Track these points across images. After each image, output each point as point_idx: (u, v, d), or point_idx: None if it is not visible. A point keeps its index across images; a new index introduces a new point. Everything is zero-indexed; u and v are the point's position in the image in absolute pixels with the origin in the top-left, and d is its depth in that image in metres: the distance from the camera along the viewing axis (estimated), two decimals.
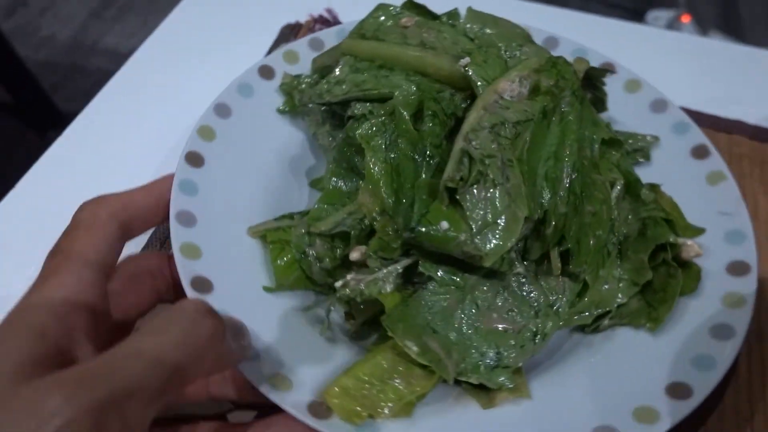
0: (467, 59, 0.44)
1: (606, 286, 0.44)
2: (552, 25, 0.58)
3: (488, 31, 0.49)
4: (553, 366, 0.42)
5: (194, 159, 0.47)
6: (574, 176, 0.41)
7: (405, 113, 0.42)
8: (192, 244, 0.42)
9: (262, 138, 0.52)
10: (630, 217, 0.45)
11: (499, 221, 0.38)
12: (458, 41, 0.48)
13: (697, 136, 0.51)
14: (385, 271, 0.40)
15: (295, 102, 0.53)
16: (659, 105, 0.54)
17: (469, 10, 0.50)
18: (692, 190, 0.49)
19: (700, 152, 0.51)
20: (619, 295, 0.43)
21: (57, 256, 0.36)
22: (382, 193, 0.41)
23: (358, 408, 0.35)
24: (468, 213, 0.37)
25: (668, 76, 0.61)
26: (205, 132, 0.49)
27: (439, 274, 0.40)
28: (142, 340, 0.29)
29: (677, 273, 0.43)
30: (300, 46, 0.56)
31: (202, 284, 0.40)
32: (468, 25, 0.49)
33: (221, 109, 0.50)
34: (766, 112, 0.62)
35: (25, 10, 1.97)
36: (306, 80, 0.53)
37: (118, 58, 0.71)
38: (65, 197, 0.54)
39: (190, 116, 0.50)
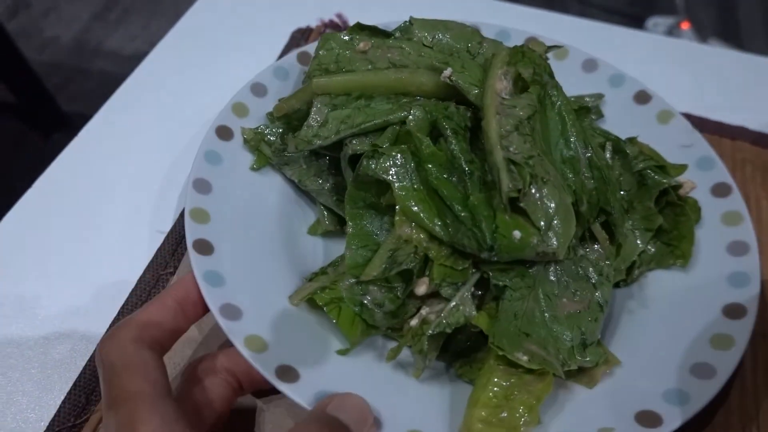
0: (450, 70, 0.45)
1: (626, 240, 0.47)
2: (552, 31, 0.60)
3: (441, 36, 0.50)
4: (614, 329, 0.45)
5: (203, 247, 0.43)
6: (589, 153, 0.44)
7: (425, 138, 0.42)
8: (253, 336, 0.39)
9: (251, 202, 0.48)
10: (624, 172, 0.49)
11: (557, 215, 0.39)
12: (423, 53, 0.48)
13: (634, 84, 0.56)
14: (459, 295, 0.40)
15: (267, 155, 0.50)
16: (590, 65, 0.58)
17: (415, 19, 0.51)
18: (648, 133, 0.54)
19: (642, 98, 0.56)
20: (639, 243, 0.47)
21: (123, 407, 0.32)
22: (426, 222, 0.41)
23: None
24: (533, 216, 0.38)
25: (671, 83, 0.64)
26: (198, 215, 0.45)
27: (509, 281, 0.40)
28: None
29: (684, 210, 0.47)
30: (245, 96, 0.53)
31: (287, 374, 0.38)
32: (422, 35, 0.50)
33: (201, 185, 0.47)
34: (767, 118, 0.63)
35: (28, 12, 1.97)
36: (272, 131, 0.50)
37: (120, 61, 0.73)
38: (78, 201, 0.57)
39: (202, 121, 0.53)
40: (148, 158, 0.59)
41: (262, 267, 0.45)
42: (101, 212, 0.56)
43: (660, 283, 0.47)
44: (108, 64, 1.70)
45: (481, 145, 0.42)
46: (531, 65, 0.46)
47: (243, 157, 0.50)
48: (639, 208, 0.48)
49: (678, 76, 0.68)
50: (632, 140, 0.51)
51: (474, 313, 0.40)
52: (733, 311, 0.43)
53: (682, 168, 0.50)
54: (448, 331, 0.40)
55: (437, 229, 0.41)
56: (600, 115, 0.56)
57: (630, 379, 0.41)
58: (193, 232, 0.43)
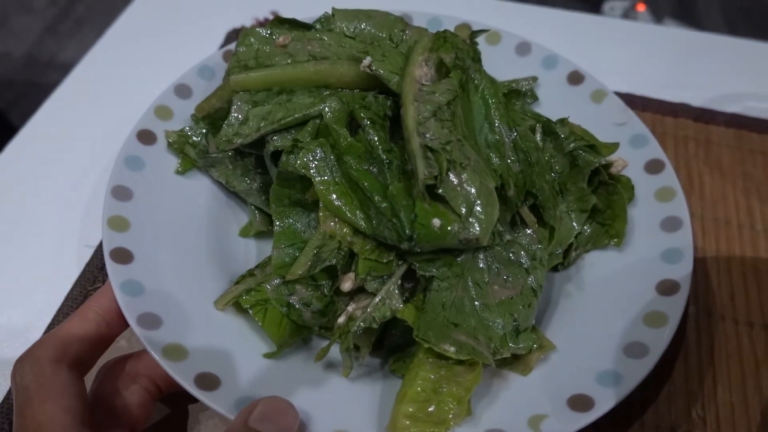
0: (369, 59, 0.44)
1: (561, 223, 0.47)
2: (509, 21, 0.60)
3: (363, 26, 0.49)
4: (551, 314, 0.44)
5: (121, 255, 0.41)
6: (513, 135, 0.43)
7: (341, 130, 0.40)
8: (173, 345, 0.38)
9: (175, 208, 0.47)
10: (556, 153, 0.48)
11: (479, 200, 0.38)
12: (344, 44, 0.47)
13: (568, 65, 0.56)
14: (385, 289, 0.39)
15: (193, 158, 0.49)
16: (524, 48, 0.58)
17: (336, 10, 0.49)
18: (582, 113, 0.53)
19: (575, 78, 0.55)
20: (574, 225, 0.47)
21: None
22: (348, 215, 0.40)
23: (432, 429, 0.35)
24: (452, 202, 0.37)
25: (618, 64, 0.64)
26: (117, 223, 0.43)
27: (435, 270, 0.40)
28: None
29: (617, 188, 0.47)
30: (168, 98, 0.51)
31: (207, 382, 0.36)
32: (343, 26, 0.49)
33: (120, 192, 0.45)
34: (711, 94, 0.63)
35: None
36: (196, 131, 0.49)
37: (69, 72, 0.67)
38: (2, 217, 0.54)
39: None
40: (76, 170, 0.58)
41: (187, 273, 0.43)
42: (26, 227, 0.54)
43: (597, 264, 0.46)
44: (62, 78, 1.64)
45: (402, 134, 0.41)
46: (453, 50, 0.45)
47: (167, 161, 0.49)
48: (573, 189, 0.47)
49: (622, 56, 0.68)
50: (563, 121, 0.50)
51: (400, 306, 0.39)
52: (667, 288, 0.42)
53: (614, 146, 0.49)
54: (374, 326, 0.38)
55: (360, 222, 0.40)
56: (534, 98, 0.55)
57: (565, 364, 0.40)
58: (110, 241, 0.42)
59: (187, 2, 0.74)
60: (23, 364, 0.34)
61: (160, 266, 0.42)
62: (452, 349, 0.37)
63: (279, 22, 0.49)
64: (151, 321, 0.38)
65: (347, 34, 0.48)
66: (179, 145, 0.49)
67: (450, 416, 0.35)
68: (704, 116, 0.61)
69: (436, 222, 0.37)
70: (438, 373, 0.37)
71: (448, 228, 0.37)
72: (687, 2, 1.72)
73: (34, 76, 1.76)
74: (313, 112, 0.43)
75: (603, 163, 0.47)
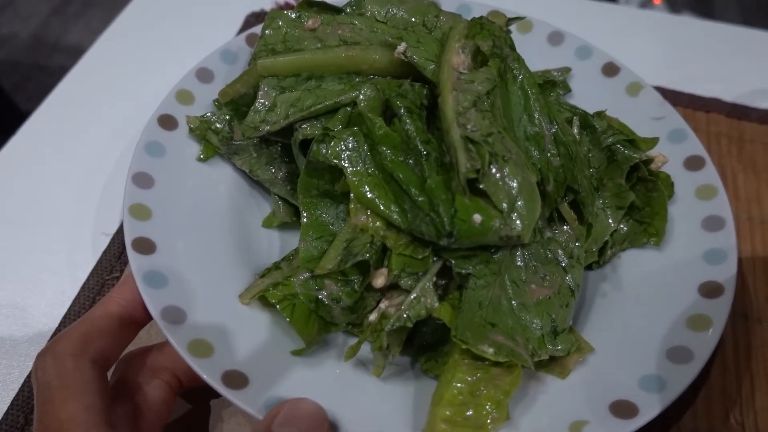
0: (404, 45, 0.42)
1: (597, 219, 0.45)
2: (525, 8, 0.57)
3: (395, 11, 0.47)
4: (587, 314, 0.43)
5: (143, 246, 0.40)
6: (554, 128, 0.41)
7: (376, 120, 0.39)
8: (199, 340, 0.36)
9: (198, 196, 0.45)
10: (593, 148, 0.46)
11: (521, 195, 0.36)
12: (375, 29, 0.45)
13: (602, 56, 0.54)
14: (419, 286, 0.38)
15: (215, 145, 0.47)
16: (556, 37, 0.56)
17: None
18: (618, 106, 0.51)
19: (610, 70, 0.53)
20: (610, 222, 0.45)
21: None
22: (381, 209, 0.38)
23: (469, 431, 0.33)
24: (494, 198, 0.36)
25: (644, 55, 0.61)
26: (138, 211, 0.41)
27: (472, 268, 0.38)
28: None
29: (657, 185, 0.45)
30: (190, 83, 0.49)
31: (236, 380, 0.35)
32: (375, 10, 0.47)
33: (141, 179, 0.43)
34: (743, 89, 0.61)
35: None
36: (218, 118, 0.47)
37: (81, 56, 0.64)
38: (17, 204, 0.53)
39: (151, 111, 0.47)
40: (92, 157, 0.56)
41: (210, 265, 0.42)
42: (42, 215, 0.52)
43: (634, 263, 0.45)
44: (68, 60, 1.61)
45: (439, 124, 0.39)
46: (490, 38, 0.43)
47: (189, 147, 0.47)
48: (609, 185, 0.46)
49: (650, 48, 0.66)
50: (600, 114, 0.48)
51: (436, 304, 0.37)
52: (710, 290, 0.40)
53: (654, 141, 0.48)
54: (409, 325, 0.37)
55: (394, 216, 0.38)
56: (567, 90, 0.54)
57: (604, 367, 0.38)
58: (132, 230, 0.40)
59: None
60: (45, 359, 0.33)
61: (183, 257, 0.41)
62: (491, 350, 0.35)
63: (308, 4, 0.47)
64: (175, 314, 0.37)
65: (379, 18, 0.47)
66: (201, 131, 0.47)
67: (488, 420, 0.34)
68: (737, 112, 0.59)
69: (477, 218, 0.35)
70: (475, 375, 0.36)
71: (490, 224, 0.36)
72: None
73: (40, 58, 1.74)
74: (345, 99, 0.41)
75: (643, 158, 0.45)
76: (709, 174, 0.46)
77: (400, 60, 0.42)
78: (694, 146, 0.48)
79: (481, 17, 0.45)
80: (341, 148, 0.39)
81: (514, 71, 0.43)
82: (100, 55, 0.65)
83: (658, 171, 0.47)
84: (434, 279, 0.38)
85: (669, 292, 0.42)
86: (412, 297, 0.37)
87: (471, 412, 0.34)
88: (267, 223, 0.47)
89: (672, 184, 0.46)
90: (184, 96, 0.49)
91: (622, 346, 0.39)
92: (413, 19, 0.46)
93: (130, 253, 0.39)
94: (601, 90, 0.53)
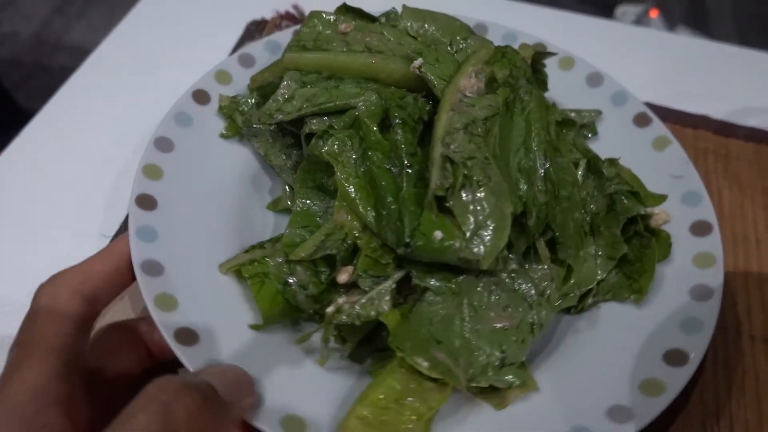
0: (420, 60, 0.44)
1: (585, 265, 0.45)
2: (522, 22, 0.58)
3: (429, 27, 0.49)
4: (549, 355, 0.42)
5: (146, 202, 0.43)
6: (547, 164, 0.41)
7: (371, 124, 0.40)
8: (166, 294, 0.39)
9: (211, 167, 0.49)
10: (596, 194, 0.46)
11: (489, 222, 0.37)
12: (403, 42, 0.47)
13: (636, 105, 0.53)
14: (377, 289, 0.39)
15: (239, 125, 0.50)
16: (595, 79, 0.55)
17: (405, 8, 0.49)
18: (641, 158, 0.51)
19: (641, 120, 0.52)
20: (598, 272, 0.44)
21: (19, 349, 0.33)
22: (360, 210, 0.40)
23: None
24: (459, 219, 0.37)
25: (635, 71, 0.62)
26: (151, 171, 0.45)
27: (433, 283, 0.39)
28: None
29: (651, 242, 0.44)
30: (230, 65, 0.53)
31: (186, 337, 0.38)
32: (408, 24, 0.48)
33: (163, 144, 0.47)
34: (732, 107, 0.62)
35: None
36: (247, 100, 0.50)
37: (82, 55, 0.66)
38: (18, 205, 0.54)
39: (153, 114, 0.48)
40: (94, 158, 0.57)
41: (203, 231, 0.45)
42: (43, 215, 0.54)
43: (612, 316, 0.44)
44: (70, 59, 1.58)
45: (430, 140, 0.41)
46: (508, 67, 0.44)
47: (215, 123, 0.51)
48: (605, 233, 0.45)
49: (642, 64, 0.67)
50: (613, 161, 0.48)
51: (386, 309, 0.38)
52: (674, 358, 0.39)
53: (661, 198, 0.47)
54: (357, 323, 0.38)
55: (369, 218, 0.40)
56: (594, 132, 0.53)
57: (541, 407, 0.38)
58: (140, 186, 0.44)
59: None
60: (44, 287, 0.36)
61: (179, 219, 0.44)
62: (425, 364, 0.36)
63: (346, 9, 0.49)
64: (153, 268, 0.40)
65: (411, 33, 0.48)
66: (229, 110, 0.50)
67: (402, 428, 0.35)
68: (724, 129, 0.60)
69: (438, 234, 0.37)
70: (406, 384, 0.37)
71: (449, 243, 0.37)
72: (700, 9, 1.67)
73: (42, 57, 1.71)
74: (354, 102, 0.43)
75: (642, 213, 0.44)
76: (713, 242, 0.45)
77: (414, 74, 0.44)
78: (706, 212, 0.46)
79: (506, 46, 0.46)
80: (337, 146, 0.41)
81: (524, 103, 0.43)
82: (104, 57, 0.66)
83: (659, 229, 0.46)
84: (394, 286, 0.39)
85: (634, 355, 0.41)
86: (366, 298, 0.39)
87: (388, 417, 0.35)
88: (272, 206, 0.50)
89: (670, 245, 0.45)
90: (222, 76, 0.52)
91: (567, 392, 0.39)
92: (443, 39, 0.48)
93: (132, 207, 0.43)
94: (629, 139, 0.52)
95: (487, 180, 0.38)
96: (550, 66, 0.55)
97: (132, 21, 0.70)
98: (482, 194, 0.37)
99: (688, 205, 0.47)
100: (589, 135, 0.53)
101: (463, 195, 0.37)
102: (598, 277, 0.44)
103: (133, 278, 0.40)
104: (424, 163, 0.39)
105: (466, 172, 0.37)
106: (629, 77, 0.56)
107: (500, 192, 0.38)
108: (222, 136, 0.50)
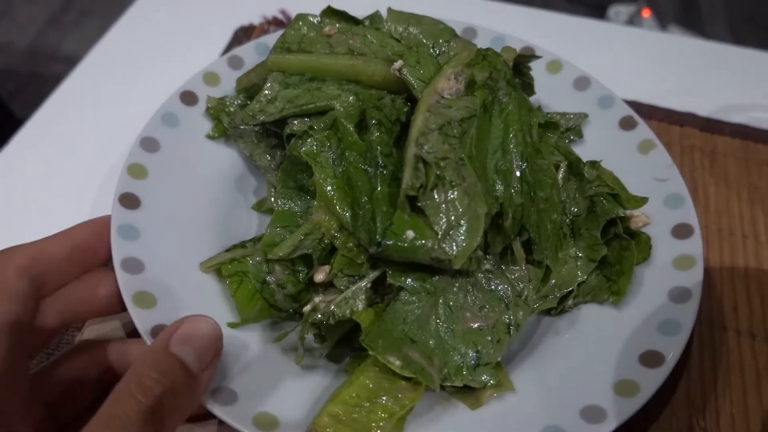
0: (400, 62, 0.44)
1: (565, 267, 0.45)
2: (513, 24, 0.59)
3: (412, 30, 0.49)
4: (527, 355, 0.43)
5: (129, 201, 0.44)
6: (524, 166, 0.42)
7: (349, 125, 0.41)
8: (145, 292, 0.40)
9: (197, 167, 0.49)
10: (577, 196, 0.46)
11: (461, 222, 0.37)
12: (385, 44, 0.47)
13: (623, 108, 0.53)
14: (353, 288, 0.40)
15: (225, 125, 0.51)
16: (582, 82, 0.55)
17: (390, 11, 0.50)
18: (626, 161, 0.51)
19: (627, 123, 0.52)
20: (579, 274, 0.44)
21: None
22: (337, 210, 0.40)
23: None
24: (431, 218, 0.37)
25: (622, 70, 0.62)
26: (136, 170, 0.46)
27: (408, 282, 0.39)
28: None
29: (630, 244, 0.44)
30: (219, 66, 0.54)
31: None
32: (392, 27, 0.49)
33: (148, 144, 0.48)
34: (719, 104, 0.63)
35: None
36: (233, 102, 0.51)
37: (76, 65, 0.67)
38: (14, 204, 0.54)
39: (143, 120, 0.48)
40: (83, 165, 0.57)
41: (186, 230, 0.45)
42: (35, 222, 0.53)
43: (591, 317, 0.44)
44: (64, 69, 1.53)
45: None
46: (488, 69, 0.45)
47: (203, 124, 0.51)
48: (586, 235, 0.45)
49: (631, 64, 0.68)
50: (594, 164, 0.48)
51: (361, 307, 0.39)
52: (649, 359, 0.39)
53: (642, 201, 0.47)
54: (332, 321, 0.39)
55: (345, 217, 0.40)
56: (579, 135, 0.53)
57: (515, 407, 0.38)
58: (123, 185, 0.44)
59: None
60: None
61: (161, 218, 0.44)
62: (398, 362, 0.37)
63: (331, 12, 0.50)
64: (134, 265, 0.41)
65: (394, 35, 0.49)
66: (216, 111, 0.51)
67: (374, 427, 0.35)
68: (710, 126, 0.60)
69: (410, 234, 0.37)
70: (379, 383, 0.37)
71: (420, 242, 0.37)
72: (692, 9, 1.68)
73: (37, 66, 1.74)
74: (334, 104, 0.44)
75: (621, 215, 0.44)
76: (694, 245, 0.45)
77: (395, 76, 0.44)
78: (688, 215, 0.46)
79: (487, 49, 0.46)
80: (315, 147, 0.42)
81: (502, 105, 0.44)
82: (94, 64, 0.67)
83: (639, 231, 0.46)
84: (369, 285, 0.40)
85: (612, 354, 0.41)
86: (342, 297, 0.39)
87: (359, 416, 0.35)
88: (257, 207, 0.51)
89: (650, 247, 0.45)
90: (211, 78, 0.53)
91: (567, 377, 0.40)
92: (425, 41, 0.48)
93: (114, 205, 0.43)
94: (614, 142, 0.52)
95: (460, 180, 0.38)
96: (538, 69, 0.56)
97: (121, 29, 0.71)
98: (455, 194, 0.37)
99: (671, 208, 0.47)
100: (575, 138, 0.53)
101: (436, 195, 0.37)
102: (579, 279, 0.44)
103: (85, 269, 0.39)
104: (399, 163, 0.40)
105: (438, 173, 0.37)
106: (617, 76, 0.56)
107: (474, 192, 0.38)
108: (208, 137, 0.51)
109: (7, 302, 0.34)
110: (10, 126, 0.61)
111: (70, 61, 0.67)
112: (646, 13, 1.47)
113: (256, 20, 0.69)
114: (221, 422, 0.39)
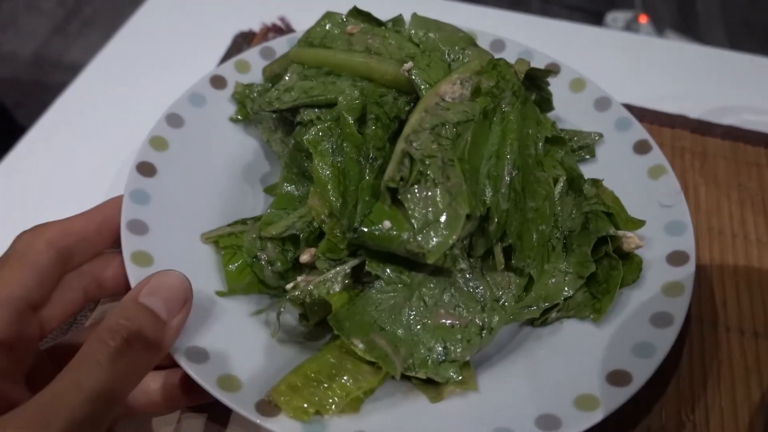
0: (410, 63, 0.46)
1: (553, 280, 0.45)
2: (512, 30, 0.60)
3: (432, 35, 0.50)
4: (501, 359, 0.43)
5: (146, 169, 0.47)
6: (514, 173, 0.42)
7: (349, 117, 0.43)
8: (143, 252, 0.43)
9: (216, 147, 0.52)
10: (574, 212, 0.46)
11: (440, 219, 0.39)
12: (403, 46, 0.49)
13: (639, 132, 0.53)
14: (333, 271, 0.41)
15: (248, 111, 0.54)
16: (603, 103, 0.55)
17: (414, 16, 0.51)
18: (635, 184, 0.50)
19: (641, 147, 0.52)
20: (566, 289, 0.45)
21: None
22: (330, 196, 0.42)
23: (305, 405, 0.36)
24: (409, 212, 0.38)
25: (615, 75, 0.63)
26: (157, 142, 0.49)
27: (386, 272, 0.41)
28: (72, 375, 0.30)
29: (618, 265, 0.44)
30: (251, 55, 0.57)
31: None
32: (413, 31, 0.51)
33: (173, 119, 0.51)
34: (709, 106, 0.64)
35: None
36: (257, 89, 0.54)
37: (80, 72, 0.70)
38: (17, 213, 0.56)
39: (145, 128, 0.50)
40: (86, 171, 0.59)
41: (195, 203, 0.48)
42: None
43: (570, 332, 0.44)
44: (68, 78, 1.52)
45: None
46: (496, 78, 0.46)
47: (228, 108, 0.54)
48: (577, 251, 0.45)
49: (625, 68, 0.70)
50: (596, 182, 0.48)
51: (337, 290, 0.40)
52: (617, 378, 0.39)
53: (639, 224, 0.46)
54: (308, 300, 0.41)
55: (335, 204, 0.42)
56: (592, 154, 0.53)
57: (474, 406, 0.39)
58: (143, 155, 0.48)
59: (195, 6, 0.76)
60: (26, 234, 0.39)
61: (175, 187, 0.47)
62: (361, 345, 0.38)
63: (357, 12, 0.52)
64: (138, 226, 0.44)
65: (414, 39, 0.50)
66: (241, 96, 0.54)
67: (330, 403, 0.37)
68: (701, 128, 0.61)
69: (386, 224, 0.38)
70: (342, 363, 0.38)
71: (397, 234, 0.38)
72: (689, 15, 1.68)
73: (41, 75, 1.77)
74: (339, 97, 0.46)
75: (612, 233, 0.44)
76: (686, 274, 0.44)
77: (404, 76, 0.46)
78: (687, 243, 0.46)
79: (499, 59, 0.47)
80: (317, 135, 0.44)
81: (504, 114, 0.45)
82: (95, 73, 0.69)
83: (633, 254, 0.45)
84: (348, 270, 0.41)
85: (582, 369, 0.41)
86: (322, 278, 0.41)
87: (317, 390, 0.37)
88: (269, 190, 0.53)
89: (640, 270, 0.45)
90: (242, 65, 0.56)
91: (528, 384, 0.40)
92: (443, 47, 0.50)
93: (131, 172, 0.47)
94: (625, 164, 0.52)
95: (444, 180, 0.39)
96: (562, 86, 0.56)
97: (123, 37, 0.73)
98: (436, 192, 0.39)
99: (670, 235, 0.47)
100: (587, 156, 0.53)
101: (416, 190, 0.39)
102: (565, 294, 0.44)
103: (111, 243, 0.42)
104: (389, 157, 0.41)
105: (421, 169, 0.39)
106: (609, 80, 0.58)
107: (458, 192, 0.39)
108: (231, 119, 0.54)
109: (28, 274, 0.36)
110: (14, 134, 0.63)
111: (74, 70, 0.68)
112: (643, 20, 1.48)
113: (256, 27, 0.71)
114: (210, 417, 0.42)
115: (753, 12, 1.65)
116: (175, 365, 0.38)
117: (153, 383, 0.39)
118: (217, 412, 0.42)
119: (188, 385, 0.38)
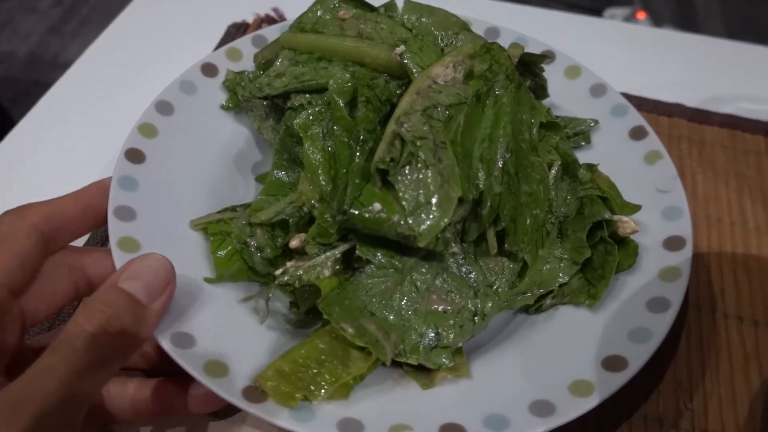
0: (402, 47, 0.45)
1: (548, 266, 0.44)
2: (508, 20, 0.60)
3: (425, 20, 0.50)
4: (494, 346, 0.42)
5: (134, 155, 0.47)
6: (507, 156, 0.42)
7: (339, 101, 0.42)
8: (130, 238, 0.42)
9: (206, 134, 0.52)
10: (569, 197, 0.46)
11: (432, 201, 0.38)
12: (395, 31, 0.49)
13: (635, 118, 0.52)
14: (323, 256, 0.41)
15: (239, 98, 0.53)
16: (598, 89, 0.55)
17: (407, 1, 0.51)
18: (631, 170, 0.50)
19: (637, 133, 0.51)
20: (561, 275, 0.44)
21: None
22: (320, 181, 0.42)
23: (293, 391, 0.35)
24: (400, 194, 0.38)
25: (612, 64, 0.62)
26: (147, 129, 0.49)
27: (377, 257, 0.40)
28: (47, 360, 0.30)
29: (614, 250, 0.43)
30: (243, 43, 0.56)
31: None
32: (405, 16, 0.50)
33: (163, 107, 0.50)
34: (707, 95, 0.64)
35: None
36: (249, 76, 0.53)
37: (70, 66, 0.70)
38: (6, 203, 0.53)
39: (136, 119, 0.49)
40: (74, 166, 0.58)
41: (184, 190, 0.47)
42: None
43: (565, 317, 0.43)
44: None
45: None
46: (489, 62, 0.45)
47: (219, 96, 0.54)
48: (572, 237, 0.45)
49: (622, 57, 0.69)
50: (591, 167, 0.47)
51: (326, 275, 0.40)
52: (614, 364, 0.38)
53: (635, 208, 0.46)
54: (297, 285, 0.40)
55: (326, 188, 0.41)
56: (587, 141, 0.53)
57: (466, 393, 0.38)
58: (132, 141, 0.47)
59: None
60: (9, 214, 0.38)
61: (164, 174, 0.47)
62: (351, 330, 0.37)
63: None
64: (126, 213, 0.43)
65: (407, 25, 0.50)
66: (232, 84, 0.53)
67: (318, 389, 0.36)
68: (698, 116, 0.61)
69: (377, 206, 0.38)
70: (332, 348, 0.38)
71: (387, 216, 0.38)
72: (688, 10, 1.69)
73: (38, 74, 1.78)
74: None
75: (607, 218, 0.44)
76: (683, 257, 0.43)
77: (397, 61, 0.45)
78: (683, 228, 0.45)
79: (493, 43, 0.46)
80: (308, 120, 0.43)
81: (497, 97, 0.44)
82: (87, 65, 0.69)
83: (628, 239, 0.45)
84: (338, 255, 0.41)
85: (578, 355, 0.40)
86: (311, 263, 0.40)
87: (305, 375, 0.36)
88: (260, 178, 0.53)
89: (636, 255, 0.44)
90: (233, 53, 0.55)
91: (523, 370, 0.40)
92: (436, 32, 0.49)
93: (120, 158, 0.46)
94: (621, 150, 0.51)
95: (436, 162, 0.39)
96: (557, 73, 0.56)
97: (116, 28, 0.72)
98: (428, 174, 0.38)
99: (667, 220, 0.46)
100: (583, 143, 0.52)
101: (407, 172, 0.38)
102: (560, 280, 0.44)
103: (95, 226, 0.42)
104: (380, 140, 0.40)
105: (412, 150, 0.38)
106: (606, 70, 0.57)
107: (450, 175, 0.39)
108: (222, 107, 0.53)
109: (11, 260, 0.35)
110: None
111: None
112: (641, 16, 1.51)
113: (249, 18, 0.70)
114: (221, 417, 0.41)
115: (752, 7, 1.66)
116: (164, 374, 0.37)
117: (138, 392, 0.38)
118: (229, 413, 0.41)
119: (179, 395, 0.38)
